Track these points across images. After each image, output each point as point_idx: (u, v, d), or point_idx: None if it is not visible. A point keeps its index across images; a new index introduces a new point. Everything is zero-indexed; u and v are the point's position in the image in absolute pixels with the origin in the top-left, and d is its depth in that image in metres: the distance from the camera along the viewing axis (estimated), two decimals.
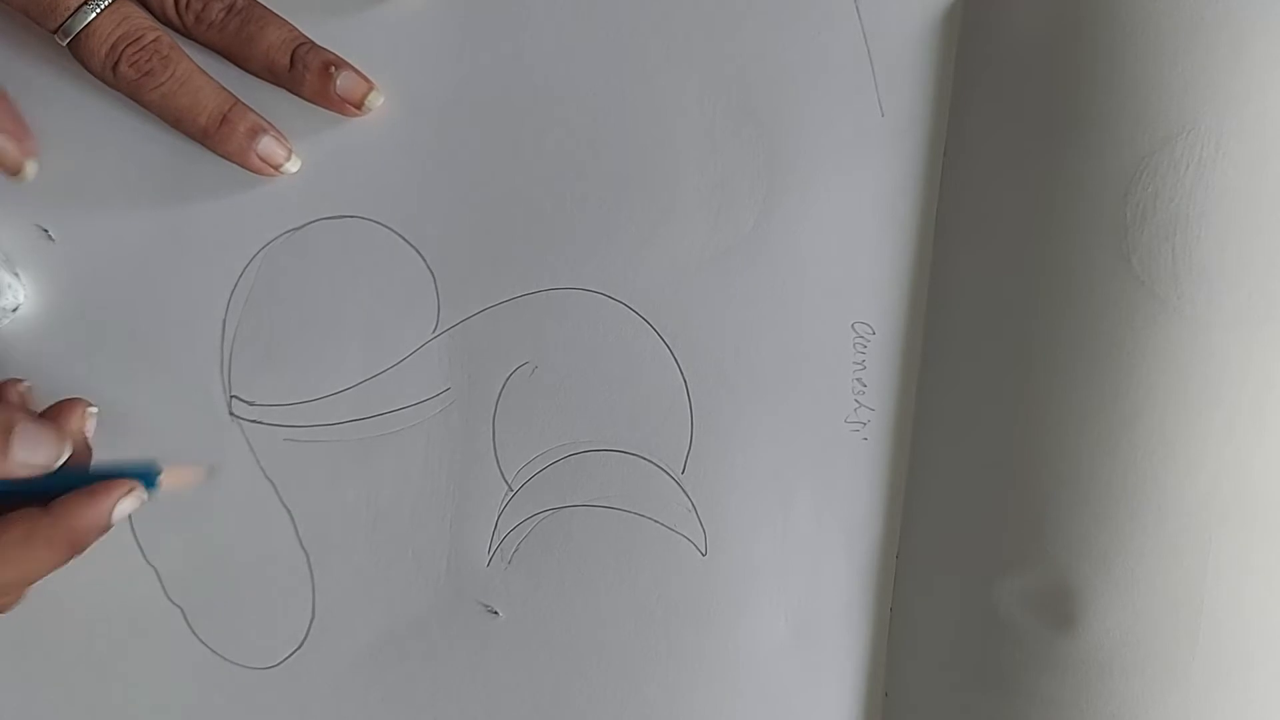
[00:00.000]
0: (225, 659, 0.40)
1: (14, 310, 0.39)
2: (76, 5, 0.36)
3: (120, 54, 0.37)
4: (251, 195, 0.39)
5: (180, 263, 0.39)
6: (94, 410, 0.38)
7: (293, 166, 0.39)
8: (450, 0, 0.39)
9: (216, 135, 0.38)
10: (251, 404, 0.39)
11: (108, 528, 0.35)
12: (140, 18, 0.37)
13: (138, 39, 0.37)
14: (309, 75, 0.38)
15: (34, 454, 0.34)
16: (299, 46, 0.38)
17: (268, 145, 0.38)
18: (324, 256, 0.39)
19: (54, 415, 0.37)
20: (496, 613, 0.40)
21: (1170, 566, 0.36)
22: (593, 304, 0.40)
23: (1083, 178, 0.37)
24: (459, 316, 0.40)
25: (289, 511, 0.40)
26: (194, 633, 0.40)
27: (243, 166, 0.39)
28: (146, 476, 0.36)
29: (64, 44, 0.37)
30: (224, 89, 0.38)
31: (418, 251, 0.40)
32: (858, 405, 0.40)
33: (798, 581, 0.40)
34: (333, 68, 0.38)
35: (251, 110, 0.39)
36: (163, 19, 0.38)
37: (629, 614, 0.40)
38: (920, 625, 0.39)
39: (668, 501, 0.40)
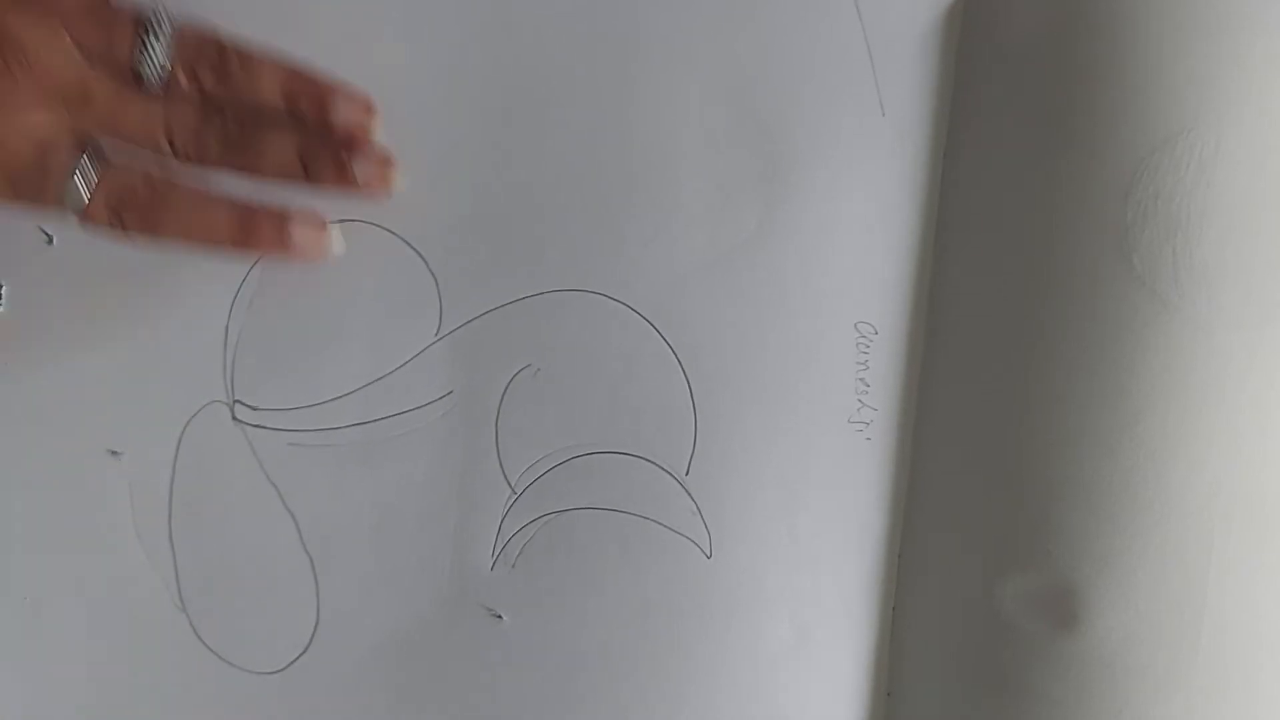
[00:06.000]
0: (230, 664, 0.40)
1: None
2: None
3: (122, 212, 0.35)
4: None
5: (182, 267, 0.39)
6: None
7: (339, 247, 0.38)
8: (450, 4, 0.39)
9: (245, 242, 0.37)
10: (255, 409, 0.39)
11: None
12: (125, 172, 0.35)
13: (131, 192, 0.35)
14: (326, 173, 0.37)
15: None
16: (304, 149, 0.36)
17: (303, 233, 0.37)
18: (326, 260, 0.39)
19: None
20: (500, 616, 0.40)
21: (1172, 566, 0.36)
22: (595, 306, 0.40)
23: (1083, 178, 0.37)
24: (461, 319, 0.40)
25: (293, 516, 0.40)
26: (199, 638, 0.40)
27: (288, 259, 0.38)
28: None
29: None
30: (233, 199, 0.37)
31: (420, 255, 0.39)
32: (861, 405, 0.40)
33: (802, 582, 0.40)
34: (346, 161, 0.37)
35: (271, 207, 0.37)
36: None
37: (633, 617, 0.40)
38: (923, 625, 0.40)
39: (672, 504, 0.40)
